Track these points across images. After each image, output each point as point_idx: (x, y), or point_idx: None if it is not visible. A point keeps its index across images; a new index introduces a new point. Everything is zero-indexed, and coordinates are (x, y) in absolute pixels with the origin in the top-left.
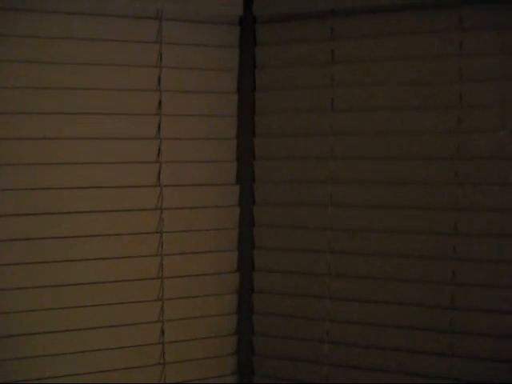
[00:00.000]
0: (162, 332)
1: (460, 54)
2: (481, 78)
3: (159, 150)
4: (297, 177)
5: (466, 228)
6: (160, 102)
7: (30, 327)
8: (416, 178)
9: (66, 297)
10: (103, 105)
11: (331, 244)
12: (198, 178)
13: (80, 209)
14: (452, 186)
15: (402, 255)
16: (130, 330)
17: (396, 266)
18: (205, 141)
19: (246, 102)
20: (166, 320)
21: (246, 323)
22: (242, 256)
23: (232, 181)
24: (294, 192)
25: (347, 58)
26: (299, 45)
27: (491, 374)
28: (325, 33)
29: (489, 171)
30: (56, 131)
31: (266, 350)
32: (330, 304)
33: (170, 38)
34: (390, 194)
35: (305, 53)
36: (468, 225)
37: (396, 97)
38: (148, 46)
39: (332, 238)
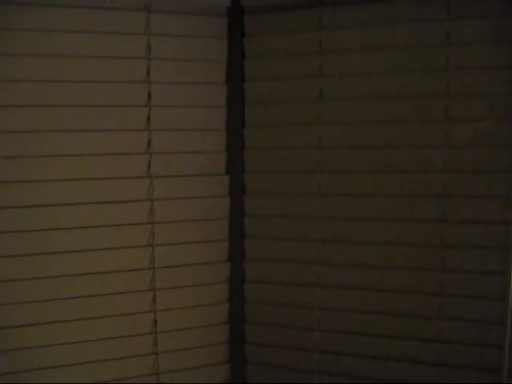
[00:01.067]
0: (155, 322)
1: (448, 43)
2: (468, 67)
3: (149, 141)
4: (286, 167)
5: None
6: (149, 94)
7: (21, 319)
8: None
9: (57, 288)
10: (92, 97)
11: (321, 233)
12: (188, 168)
13: (71, 200)
14: (439, 173)
15: (391, 243)
16: (123, 320)
17: (386, 253)
18: (195, 132)
19: (235, 92)
20: (158, 310)
21: (237, 312)
22: (233, 246)
23: (222, 171)
24: (283, 182)
25: (335, 48)
26: (287, 35)
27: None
28: (313, 23)
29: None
30: (44, 124)
31: (257, 338)
32: (321, 292)
33: (159, 30)
34: (380, 181)
35: (293, 43)
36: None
37: (383, 86)
38: (137, 37)
39: (322, 226)
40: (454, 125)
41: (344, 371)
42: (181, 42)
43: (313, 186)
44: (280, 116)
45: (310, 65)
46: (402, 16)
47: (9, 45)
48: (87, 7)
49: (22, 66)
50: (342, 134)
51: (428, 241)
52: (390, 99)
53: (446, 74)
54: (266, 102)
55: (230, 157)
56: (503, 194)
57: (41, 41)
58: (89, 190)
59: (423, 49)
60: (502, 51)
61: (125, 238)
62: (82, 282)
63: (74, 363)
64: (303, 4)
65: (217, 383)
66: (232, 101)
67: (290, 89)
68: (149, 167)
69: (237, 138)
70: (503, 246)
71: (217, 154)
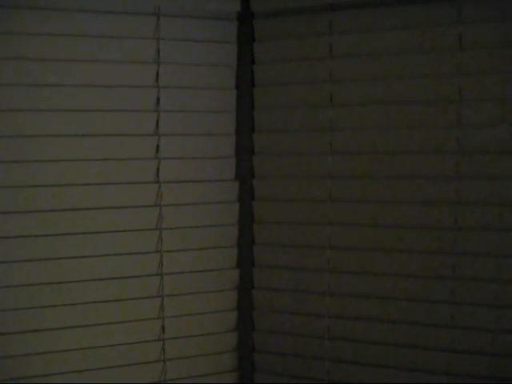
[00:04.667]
0: (163, 328)
1: (459, 48)
2: (480, 72)
3: (158, 146)
4: (296, 172)
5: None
6: (158, 99)
7: (28, 324)
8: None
9: (64, 294)
10: (101, 101)
11: (331, 239)
12: (196, 174)
13: (78, 205)
14: (452, 179)
15: (402, 251)
16: (130, 326)
17: (398, 260)
18: (203, 137)
19: (245, 97)
20: (166, 316)
21: (246, 319)
22: (242, 252)
23: (231, 177)
24: (293, 188)
25: (346, 52)
26: (297, 40)
27: None
28: (323, 27)
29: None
30: (54, 128)
31: (266, 346)
32: (331, 300)
33: (168, 34)
34: (392, 187)
35: (303, 48)
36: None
37: (395, 91)
38: (146, 42)
39: (332, 233)
40: (465, 130)
41: (354, 380)
42: (190, 47)
43: (323, 192)
44: (290, 121)
45: (320, 70)
46: (413, 20)
47: (17, 48)
48: (96, 12)
49: (31, 70)
50: (353, 139)
51: (441, 248)
52: (401, 104)
53: (458, 79)
54: (275, 107)
55: (239, 162)
56: None
57: (49, 45)
58: (97, 196)
59: (435, 53)
60: None
61: (133, 243)
62: (88, 287)
63: (79, 370)
64: (313, 9)
65: None
66: (241, 106)
67: (300, 94)
68: (157, 173)
69: (246, 144)
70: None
71: (226, 159)
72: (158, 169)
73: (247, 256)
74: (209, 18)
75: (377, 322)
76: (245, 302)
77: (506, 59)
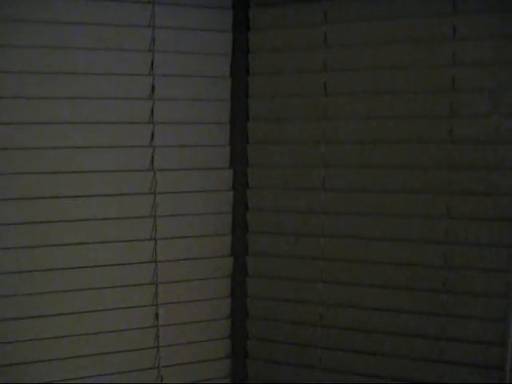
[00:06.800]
0: (156, 316)
1: (453, 38)
2: (474, 62)
3: (152, 134)
4: (290, 161)
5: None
6: (153, 87)
7: (22, 312)
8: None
9: (56, 282)
10: (96, 89)
11: (325, 228)
12: (191, 162)
13: (72, 193)
14: (444, 170)
15: (393, 239)
16: (124, 313)
17: (389, 249)
18: (198, 125)
19: (240, 86)
20: (159, 304)
21: (239, 307)
22: (236, 240)
23: (225, 165)
24: (287, 176)
25: (340, 41)
26: (292, 29)
27: None
28: (318, 16)
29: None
30: (48, 116)
31: (259, 333)
32: (323, 288)
33: (163, 22)
34: (385, 176)
35: (298, 37)
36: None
37: (388, 81)
38: (141, 30)
39: (326, 221)
40: (458, 120)
41: (346, 368)
42: (185, 35)
43: (317, 181)
44: (284, 110)
45: (314, 58)
46: (408, 10)
47: (12, 36)
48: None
49: (26, 58)
50: (348, 128)
51: (434, 236)
52: (395, 94)
53: (452, 69)
54: (270, 96)
55: (233, 150)
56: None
57: (44, 32)
58: (91, 184)
59: (429, 44)
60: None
61: (127, 231)
62: (81, 275)
63: (76, 355)
64: None
65: (218, 378)
66: (236, 94)
67: (294, 83)
68: (152, 161)
69: (241, 132)
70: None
71: (220, 147)
72: (152, 157)
73: (241, 244)
74: (204, 6)
75: (370, 310)
76: (238, 289)
77: (500, 50)
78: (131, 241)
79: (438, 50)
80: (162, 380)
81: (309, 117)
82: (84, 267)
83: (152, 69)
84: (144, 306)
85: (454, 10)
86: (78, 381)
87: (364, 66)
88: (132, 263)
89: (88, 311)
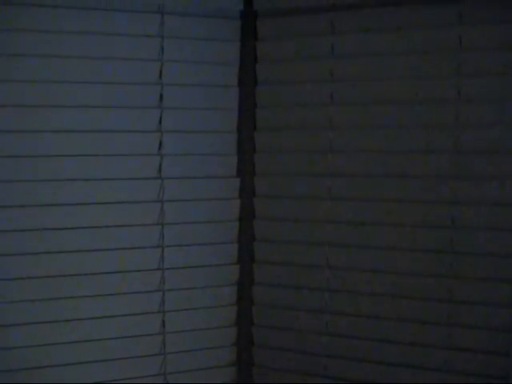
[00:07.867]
0: (163, 322)
1: (459, 49)
2: (480, 73)
3: (160, 142)
4: (297, 170)
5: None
6: (161, 96)
7: (27, 317)
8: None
9: (65, 288)
10: (105, 98)
11: (331, 237)
12: (198, 170)
13: (81, 201)
14: (451, 180)
15: (402, 249)
16: (131, 320)
17: (396, 258)
18: (206, 134)
19: (247, 95)
20: (166, 311)
21: (245, 315)
22: (243, 248)
23: (233, 173)
24: (294, 185)
25: (347, 52)
26: (300, 39)
27: None
28: (325, 27)
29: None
30: (57, 124)
31: (265, 341)
32: (329, 296)
33: (172, 32)
34: (390, 185)
35: (305, 47)
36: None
37: (395, 91)
38: (150, 39)
39: (332, 230)
40: (464, 131)
41: (351, 376)
42: (194, 45)
43: (324, 189)
44: (291, 119)
45: (321, 69)
46: (415, 21)
47: (23, 45)
48: (101, 9)
49: (34, 67)
50: (354, 137)
51: (440, 246)
52: (401, 104)
53: (458, 80)
54: (277, 106)
55: (240, 159)
56: None
57: (53, 41)
58: (100, 191)
59: (435, 54)
60: None
61: (135, 238)
62: (90, 281)
63: (79, 362)
64: (316, 8)
65: None
66: (244, 104)
67: (301, 92)
68: (160, 169)
69: (248, 141)
70: None
71: (228, 156)
72: (160, 165)
73: (247, 252)
74: (212, 16)
75: (375, 319)
76: (244, 297)
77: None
78: (138, 248)
79: (444, 60)
80: None
81: (316, 126)
82: (91, 274)
83: (160, 78)
84: (151, 313)
85: (461, 21)
86: None
87: (370, 76)
88: (139, 270)
89: (90, 318)
